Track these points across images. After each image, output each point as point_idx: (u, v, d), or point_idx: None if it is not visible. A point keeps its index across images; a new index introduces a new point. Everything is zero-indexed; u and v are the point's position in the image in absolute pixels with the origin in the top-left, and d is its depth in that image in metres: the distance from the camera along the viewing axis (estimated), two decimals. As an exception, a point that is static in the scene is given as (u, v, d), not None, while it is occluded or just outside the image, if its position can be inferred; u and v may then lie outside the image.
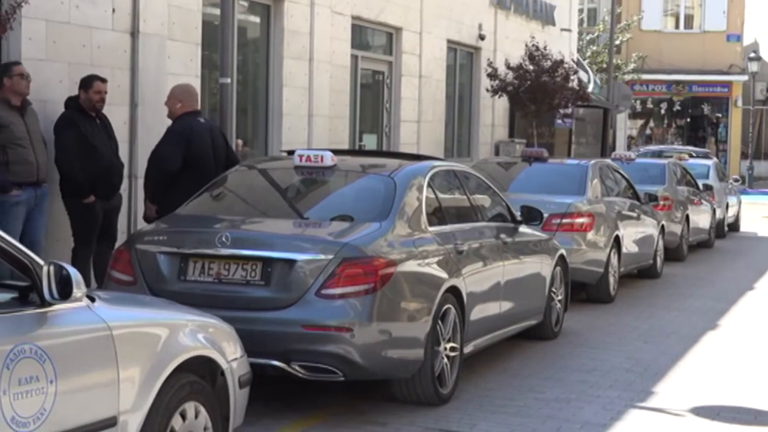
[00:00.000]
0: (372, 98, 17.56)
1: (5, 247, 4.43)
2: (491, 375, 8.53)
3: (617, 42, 30.57)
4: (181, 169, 9.48)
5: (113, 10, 10.99)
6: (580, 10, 31.58)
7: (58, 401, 4.30)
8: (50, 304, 4.42)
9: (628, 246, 13.54)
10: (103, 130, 10.05)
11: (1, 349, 4.12)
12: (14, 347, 4.17)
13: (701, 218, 18.90)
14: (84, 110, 9.81)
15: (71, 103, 9.87)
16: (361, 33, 16.80)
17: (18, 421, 4.12)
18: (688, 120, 45.26)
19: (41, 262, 4.46)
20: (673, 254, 16.51)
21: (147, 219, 9.72)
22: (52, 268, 4.44)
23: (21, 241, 8.82)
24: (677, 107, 44.61)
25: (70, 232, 9.95)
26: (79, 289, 4.54)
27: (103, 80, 9.97)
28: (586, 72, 26.75)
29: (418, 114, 18.47)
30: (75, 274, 4.51)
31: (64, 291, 4.44)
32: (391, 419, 7.12)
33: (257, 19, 14.17)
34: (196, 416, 5.13)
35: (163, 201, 9.36)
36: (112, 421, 4.62)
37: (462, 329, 7.82)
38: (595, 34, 37.98)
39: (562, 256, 10.31)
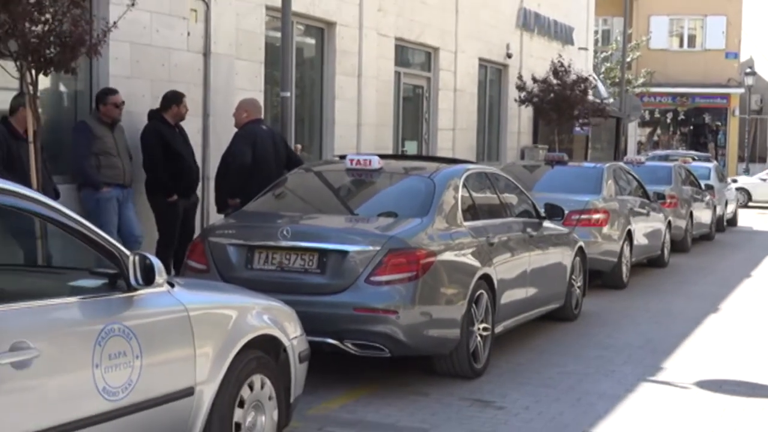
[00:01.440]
0: (413, 109, 17.54)
1: (97, 240, 4.46)
2: (519, 352, 8.49)
3: (628, 59, 30.32)
4: (249, 168, 9.55)
5: (188, 34, 11.05)
6: (596, 31, 31.34)
7: (143, 373, 4.32)
8: (135, 289, 4.45)
9: (639, 239, 13.46)
10: (182, 138, 10.14)
11: (93, 328, 4.17)
12: (105, 326, 4.21)
13: (703, 214, 18.79)
14: (166, 121, 9.92)
15: (155, 115, 9.98)
16: (403, 52, 16.78)
17: (109, 391, 4.15)
18: (691, 128, 44.98)
19: (128, 252, 4.49)
20: (678, 246, 16.40)
21: (220, 211, 9.80)
22: (137, 257, 4.47)
23: (118, 232, 9.05)
24: (681, 117, 44.38)
25: (155, 227, 10.03)
26: (160, 276, 4.57)
27: (181, 94, 10.13)
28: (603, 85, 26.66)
29: (453, 123, 18.44)
30: (157, 263, 4.55)
31: (148, 278, 4.47)
32: (432, 390, 7.11)
33: (313, 41, 14.19)
34: (262, 387, 5.14)
35: (240, 197, 9.42)
36: (189, 391, 4.64)
37: (493, 312, 7.79)
38: (609, 53, 37.83)
39: (580, 248, 10.24)
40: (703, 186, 19.35)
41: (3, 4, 7.24)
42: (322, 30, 14.24)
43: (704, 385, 7.53)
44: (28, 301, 4.10)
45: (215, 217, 10.12)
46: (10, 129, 8.23)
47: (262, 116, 10.44)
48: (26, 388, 3.77)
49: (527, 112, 21.55)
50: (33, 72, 7.74)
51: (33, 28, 7.38)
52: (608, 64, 36.80)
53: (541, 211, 9.50)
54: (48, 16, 7.44)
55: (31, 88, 7.80)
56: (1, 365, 3.66)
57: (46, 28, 7.44)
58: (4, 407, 3.66)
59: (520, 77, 20.31)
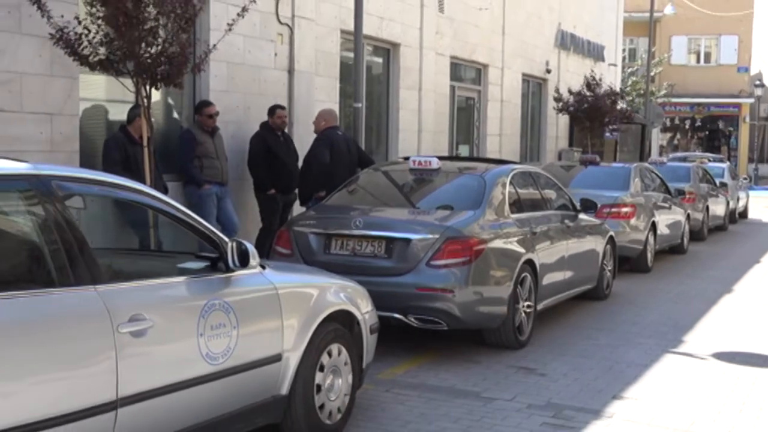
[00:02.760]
0: (465, 118, 17.48)
1: (201, 228, 4.53)
2: (558, 326, 8.42)
3: (652, 74, 29.92)
4: (326, 167, 9.60)
5: (275, 54, 11.13)
6: (624, 50, 30.94)
7: (239, 342, 4.37)
8: (233, 271, 4.50)
9: (662, 229, 13.28)
10: (284, 143, 10.27)
11: (198, 303, 4.23)
12: (207, 302, 4.27)
13: (718, 208, 18.51)
14: (272, 129, 10.04)
15: (263, 125, 10.12)
16: (457, 69, 16.71)
17: (211, 356, 4.20)
18: (707, 133, 44.30)
19: (227, 239, 4.54)
20: (696, 235, 16.14)
21: (303, 204, 9.86)
22: (234, 244, 4.53)
23: (218, 222, 9.16)
24: (698, 123, 43.79)
25: (258, 218, 10.14)
26: (254, 260, 4.63)
27: (282, 107, 10.21)
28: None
29: (500, 129, 18.36)
30: (251, 248, 4.60)
31: (244, 261, 4.53)
32: (482, 359, 7.08)
33: (380, 59, 14.20)
34: (339, 354, 5.17)
35: (318, 192, 9.49)
36: (278, 357, 4.68)
37: (535, 291, 7.73)
38: (635, 68, 37.40)
39: (611, 237, 10.12)
40: (717, 183, 19.07)
41: (121, 32, 7.35)
42: (388, 50, 14.26)
43: (720, 356, 7.40)
44: (143, 280, 4.20)
45: (298, 210, 10.18)
46: (127, 135, 8.34)
47: (338, 123, 10.48)
48: (142, 354, 3.83)
49: (564, 119, 21.39)
50: (147, 87, 7.83)
51: (147, 50, 7.48)
52: (634, 78, 36.34)
53: (577, 204, 9.41)
54: (159, 40, 7.53)
55: (145, 100, 7.90)
56: (121, 334, 3.72)
57: (158, 50, 7.54)
58: (125, 369, 3.71)
59: (557, 90, 20.15)
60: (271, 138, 10.06)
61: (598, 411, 5.80)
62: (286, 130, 10.53)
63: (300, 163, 10.39)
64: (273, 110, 10.18)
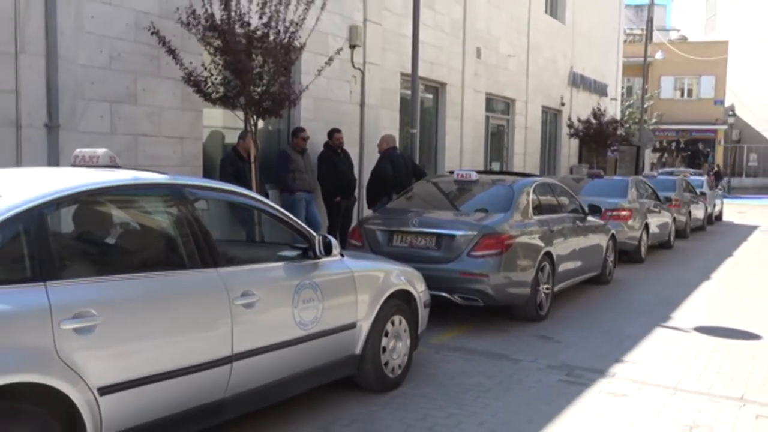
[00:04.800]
0: (497, 141, 17.33)
1: (295, 225, 4.55)
2: (570, 304, 8.29)
3: (645, 106, 29.23)
4: (389, 178, 9.60)
5: (350, 92, 11.17)
6: (622, 87, 30.30)
7: (324, 312, 4.39)
8: (319, 258, 4.52)
9: (653, 228, 12.97)
10: (344, 159, 10.22)
11: (293, 282, 4.25)
12: (300, 282, 4.29)
13: (698, 212, 18.01)
14: (333, 148, 10.03)
15: (326, 144, 10.07)
16: (490, 102, 16.58)
17: (302, 324, 4.23)
18: (689, 152, 43.13)
19: (314, 233, 4.56)
20: (680, 234, 15.74)
21: (370, 207, 9.88)
22: (320, 237, 4.54)
23: (305, 222, 9.19)
24: (682, 145, 42.71)
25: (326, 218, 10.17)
26: (336, 249, 4.63)
27: (339, 131, 10.14)
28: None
29: (524, 149, 18.15)
30: (334, 240, 4.61)
31: (327, 250, 4.54)
32: (511, 329, 7.01)
33: (431, 95, 14.17)
34: (400, 323, 5.16)
35: (383, 198, 9.48)
36: (353, 325, 4.70)
37: (553, 277, 7.63)
38: (631, 101, 36.66)
39: (612, 234, 9.91)
40: (698, 192, 18.57)
41: (237, 74, 7.46)
42: (437, 88, 14.21)
43: (701, 330, 7.20)
44: (252, 264, 4.22)
45: (367, 211, 10.19)
46: (238, 154, 8.43)
47: (397, 145, 10.46)
48: (251, 321, 3.87)
49: (574, 142, 21.05)
50: (254, 117, 7.92)
51: (255, 89, 7.57)
52: (631, 109, 35.62)
53: (586, 209, 9.26)
54: (265, 81, 7.61)
55: (252, 127, 7.99)
56: (236, 305, 3.77)
57: (264, 89, 7.62)
58: (238, 332, 3.76)
59: (569, 119, 19.92)
60: (333, 156, 9.97)
61: (602, 371, 5.69)
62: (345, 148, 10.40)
63: (357, 174, 10.37)
64: (332, 133, 10.04)
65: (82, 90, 7.10)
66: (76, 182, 3.42)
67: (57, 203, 3.28)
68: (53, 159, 6.75)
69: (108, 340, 3.14)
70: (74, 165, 3.91)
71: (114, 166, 3.87)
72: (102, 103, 7.33)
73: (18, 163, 6.51)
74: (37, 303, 2.94)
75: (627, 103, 36.05)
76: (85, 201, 3.51)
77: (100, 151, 3.90)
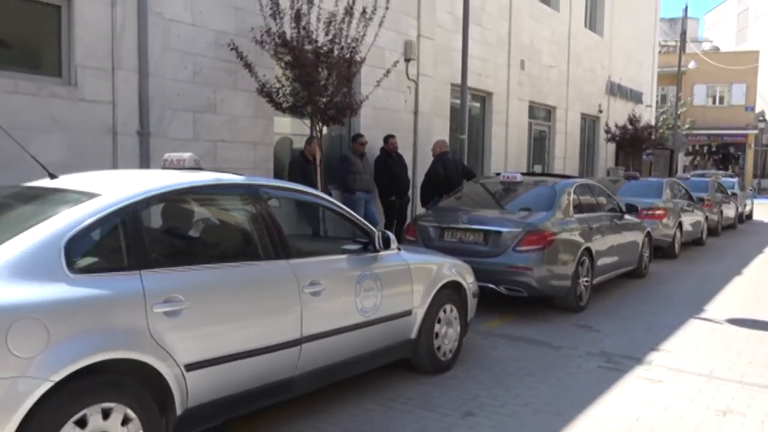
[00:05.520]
0: (539, 145, 17.07)
1: (357, 222, 4.54)
2: (608, 297, 8.12)
3: (679, 112, 28.36)
4: (441, 179, 9.53)
5: (405, 101, 11.14)
6: (657, 95, 29.42)
7: (383, 301, 4.38)
8: (378, 251, 4.50)
9: (686, 227, 12.57)
10: (399, 162, 10.20)
11: (355, 273, 4.25)
12: (361, 273, 4.28)
13: (730, 212, 17.40)
14: (389, 152, 10.02)
15: (382, 149, 10.07)
16: (533, 110, 16.33)
17: (363, 310, 4.23)
18: (720, 156, 41.71)
19: (374, 229, 4.55)
20: (712, 232, 15.24)
21: (424, 206, 9.84)
22: (380, 233, 4.53)
23: (365, 218, 9.19)
24: (713, 149, 41.29)
25: (383, 216, 10.17)
26: (393, 244, 4.61)
27: (393, 136, 10.11)
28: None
29: (564, 153, 17.82)
30: (392, 236, 4.60)
31: (386, 244, 4.52)
32: (553, 318, 6.90)
33: (478, 104, 14.03)
34: (451, 311, 5.13)
35: (436, 197, 9.42)
36: (409, 312, 4.68)
37: (592, 270, 7.47)
38: (665, 108, 35.58)
39: (648, 232, 9.66)
40: (729, 193, 17.94)
41: (305, 86, 7.52)
42: (484, 97, 14.06)
43: (733, 322, 6.96)
44: (318, 256, 4.21)
45: (420, 210, 10.17)
46: (304, 158, 8.48)
47: (448, 149, 10.39)
48: (318, 307, 3.87)
49: (611, 146, 20.54)
50: (319, 124, 7.99)
51: (321, 100, 7.62)
52: (664, 116, 34.59)
53: (623, 208, 9.02)
54: (329, 92, 7.66)
55: (318, 133, 8.06)
56: (305, 293, 3.79)
57: (328, 99, 7.67)
58: (306, 317, 3.78)
59: (607, 125, 19.49)
60: (388, 159, 9.95)
61: (639, 358, 5.55)
62: (400, 152, 10.36)
63: (410, 176, 10.33)
64: (387, 139, 10.01)
65: (169, 101, 7.27)
66: (165, 182, 3.50)
67: (149, 201, 3.36)
68: (144, 162, 6.93)
69: (193, 323, 3.20)
70: (164, 167, 4.00)
71: (198, 168, 3.94)
72: (186, 113, 7.48)
73: (114, 165, 6.71)
74: (133, 289, 3.02)
75: (661, 110, 35.02)
76: (174, 199, 3.58)
77: (186, 155, 3.98)
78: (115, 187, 3.33)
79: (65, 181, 3.56)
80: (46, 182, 3.61)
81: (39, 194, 3.44)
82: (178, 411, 3.15)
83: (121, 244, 3.12)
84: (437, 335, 4.95)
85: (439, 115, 12.11)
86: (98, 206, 3.13)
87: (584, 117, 19.33)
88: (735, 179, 21.64)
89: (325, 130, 8.46)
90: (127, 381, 2.95)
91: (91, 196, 3.21)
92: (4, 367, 2.55)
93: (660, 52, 30.25)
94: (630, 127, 19.09)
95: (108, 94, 6.68)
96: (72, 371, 2.71)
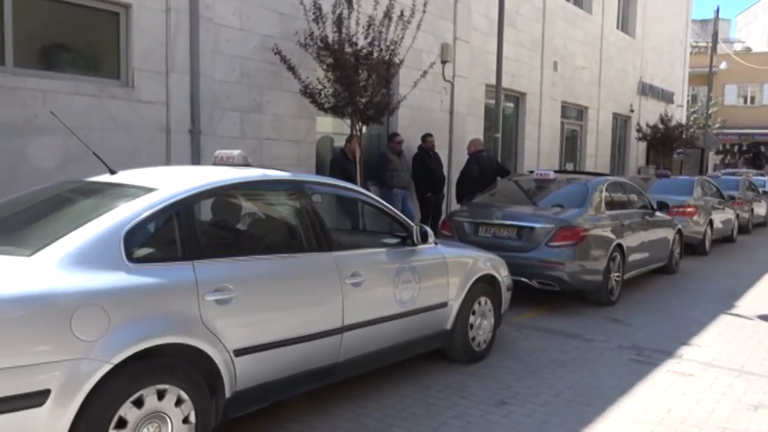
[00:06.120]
0: (571, 144, 16.80)
1: (396, 217, 4.53)
2: (639, 291, 7.95)
3: (710, 112, 27.65)
4: (475, 177, 9.48)
5: (441, 102, 11.08)
6: (688, 95, 28.69)
7: (420, 292, 4.37)
8: (416, 245, 4.48)
9: (717, 224, 12.24)
10: (435, 159, 10.15)
11: (394, 266, 4.23)
12: (400, 265, 4.27)
13: (760, 210, 16.87)
14: (426, 150, 9.98)
15: (419, 147, 10.03)
16: (565, 110, 16.08)
17: (401, 301, 4.22)
18: (751, 155, 40.45)
19: (412, 224, 4.53)
20: (743, 230, 14.81)
21: (459, 202, 9.79)
22: (417, 227, 4.50)
23: (401, 214, 9.17)
24: (744, 148, 40.05)
25: (419, 212, 10.14)
26: (431, 238, 4.59)
27: (431, 135, 10.08)
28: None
29: (596, 151, 17.50)
30: (429, 230, 4.57)
31: (424, 238, 4.50)
32: (584, 311, 6.80)
33: (512, 104, 13.88)
34: (485, 304, 5.08)
35: (470, 194, 9.38)
36: (445, 304, 4.65)
37: (623, 266, 7.33)
38: (696, 108, 34.67)
39: (679, 229, 9.44)
40: (760, 191, 17.40)
41: (346, 87, 7.54)
42: (518, 97, 13.90)
43: (764, 317, 6.76)
44: (358, 249, 4.19)
45: (455, 206, 10.12)
46: (345, 155, 8.52)
47: (483, 148, 10.30)
48: (358, 298, 3.87)
49: (642, 145, 20.10)
50: (359, 124, 8.01)
51: (361, 100, 7.63)
52: (695, 115, 33.72)
53: (654, 205, 8.83)
54: (369, 93, 7.67)
55: (357, 132, 8.08)
56: (346, 284, 3.80)
57: (368, 99, 7.67)
58: (348, 307, 3.78)
59: (638, 124, 19.09)
60: (426, 157, 9.91)
61: (670, 352, 5.43)
62: (437, 151, 10.33)
63: (446, 173, 10.26)
64: (424, 137, 9.97)
65: (218, 101, 7.36)
66: (217, 178, 3.54)
67: (202, 195, 3.40)
68: (195, 159, 7.03)
69: (242, 311, 3.24)
70: (214, 164, 4.05)
71: (246, 164, 3.98)
72: (234, 113, 7.57)
73: (167, 162, 6.83)
74: (187, 278, 3.06)
75: (692, 110, 34.17)
76: (224, 193, 3.63)
77: (235, 152, 4.02)
78: (170, 182, 3.38)
79: (124, 177, 3.64)
80: (106, 177, 3.68)
81: (100, 189, 3.51)
82: (227, 394, 3.19)
83: (175, 235, 3.16)
84: (472, 326, 4.92)
85: (473, 115, 12.02)
86: (155, 200, 3.18)
87: (616, 116, 18.97)
88: (766, 178, 21.00)
89: (364, 129, 8.47)
90: (180, 365, 3.00)
91: (148, 190, 3.27)
92: (69, 350, 2.62)
93: (691, 53, 29.46)
94: (661, 126, 18.68)
95: (162, 96, 6.80)
96: (130, 354, 2.77)
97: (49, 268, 2.70)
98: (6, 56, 5.79)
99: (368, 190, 8.54)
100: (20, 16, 5.87)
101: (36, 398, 2.53)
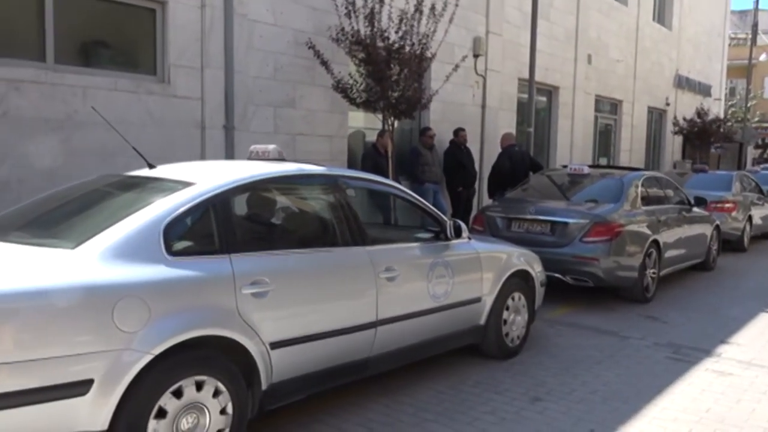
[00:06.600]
0: (604, 138, 16.53)
1: (429, 211, 4.52)
2: (675, 288, 7.80)
3: (748, 105, 26.95)
4: (508, 171, 9.39)
5: (473, 96, 10.99)
6: (726, 88, 27.99)
7: (454, 287, 4.35)
8: (450, 240, 4.46)
9: (756, 220, 11.92)
10: (467, 154, 10.07)
11: (427, 261, 4.22)
12: (433, 260, 4.26)
13: (802, 205, 16.41)
14: (458, 145, 9.91)
15: (451, 142, 9.96)
16: (599, 103, 15.81)
17: (435, 296, 4.21)
18: (792, 149, 39.43)
19: (446, 219, 4.51)
20: (783, 225, 14.45)
21: (491, 197, 9.71)
22: (451, 222, 4.49)
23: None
24: (784, 142, 39.06)
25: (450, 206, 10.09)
26: (465, 233, 4.57)
27: (463, 129, 9.99)
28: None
29: (630, 146, 17.21)
30: (463, 225, 4.55)
31: (458, 233, 4.48)
32: (619, 308, 6.70)
33: (544, 98, 13.70)
34: (519, 299, 5.04)
35: (502, 189, 9.29)
36: (478, 299, 4.63)
37: (659, 262, 7.20)
38: (734, 101, 33.81)
39: (717, 225, 9.24)
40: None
41: (378, 82, 7.53)
42: (550, 91, 13.71)
43: (807, 316, 6.58)
44: (391, 244, 4.19)
45: (486, 201, 10.04)
46: (376, 150, 8.50)
47: (515, 142, 10.18)
48: (392, 292, 3.87)
49: (678, 139, 19.69)
50: (391, 118, 7.99)
51: (393, 94, 7.62)
52: (734, 109, 32.90)
53: (692, 200, 8.64)
54: (401, 87, 7.65)
55: (389, 127, 8.07)
56: (380, 278, 3.80)
57: (400, 94, 7.65)
58: (382, 301, 3.79)
59: (674, 118, 18.69)
60: (457, 151, 9.83)
61: (708, 350, 5.32)
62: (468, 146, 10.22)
63: (477, 168, 10.17)
64: (457, 132, 9.88)
65: (252, 97, 7.42)
66: (254, 172, 3.57)
67: (239, 189, 3.43)
68: (229, 154, 7.10)
69: (278, 304, 3.26)
70: (249, 158, 4.08)
71: (282, 159, 4.01)
72: (267, 108, 7.63)
73: (202, 157, 6.91)
74: (224, 271, 3.10)
75: (730, 103, 33.34)
76: (261, 188, 3.66)
77: (271, 146, 4.05)
78: (208, 177, 3.42)
79: (163, 171, 3.69)
80: (145, 172, 3.74)
81: (139, 183, 3.57)
82: (263, 386, 3.23)
83: (213, 229, 3.20)
84: (505, 322, 4.88)
85: (506, 109, 11.90)
86: (193, 194, 3.22)
87: (651, 110, 18.61)
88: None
89: (396, 123, 8.46)
90: (217, 357, 3.04)
91: (186, 184, 3.31)
92: (111, 341, 2.67)
93: (730, 44, 28.69)
94: (698, 120, 18.27)
95: (197, 91, 6.88)
96: (170, 346, 2.81)
97: (92, 261, 2.75)
98: (47, 53, 5.91)
99: (399, 184, 8.54)
100: (60, 14, 5.99)
101: (80, 387, 2.59)
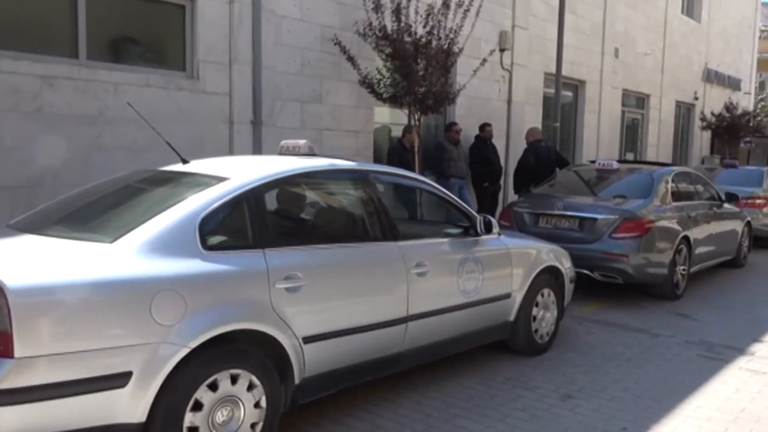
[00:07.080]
0: (632, 133, 16.30)
1: (459, 206, 4.50)
2: (706, 285, 7.68)
3: (779, 99, 26.44)
4: (533, 167, 9.31)
5: (499, 91, 10.91)
6: (756, 81, 27.41)
7: (484, 283, 4.33)
8: (480, 235, 4.44)
9: (788, 216, 11.71)
10: (492, 150, 10.01)
11: (458, 256, 4.21)
12: (463, 256, 4.24)
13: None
14: (484, 140, 9.85)
15: (477, 137, 9.90)
16: (626, 97, 15.59)
17: (465, 292, 4.19)
18: (823, 144, 38.48)
19: (476, 214, 4.49)
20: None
21: (516, 193, 9.64)
22: (481, 217, 4.46)
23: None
24: (815, 136, 38.10)
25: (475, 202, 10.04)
26: (495, 228, 4.54)
27: (489, 125, 9.93)
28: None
29: (657, 141, 16.95)
30: (493, 220, 4.52)
31: (488, 229, 4.45)
32: (648, 305, 6.61)
33: (570, 93, 13.54)
34: (548, 296, 5.01)
35: (527, 184, 9.21)
36: (508, 295, 4.60)
37: (689, 259, 7.10)
38: (765, 95, 33.10)
39: (748, 221, 9.07)
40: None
41: (404, 77, 7.51)
42: (576, 86, 13.56)
43: (843, 315, 6.42)
44: (422, 239, 4.17)
45: (512, 196, 9.97)
46: (402, 145, 8.48)
47: (541, 137, 10.09)
48: (423, 288, 3.86)
49: (706, 134, 19.32)
50: (417, 113, 7.97)
51: (419, 90, 7.59)
52: (764, 103, 32.22)
53: (722, 196, 8.49)
54: (428, 82, 7.61)
55: (416, 122, 8.04)
56: (411, 274, 3.79)
57: (427, 89, 7.62)
58: (412, 297, 3.78)
59: (702, 113, 18.36)
60: (483, 147, 9.76)
61: (741, 348, 5.23)
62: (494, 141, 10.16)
63: (503, 163, 10.10)
64: (483, 127, 9.82)
65: (279, 92, 7.45)
66: (286, 167, 3.58)
67: (273, 184, 3.45)
68: (257, 149, 7.14)
69: (311, 299, 3.28)
70: (280, 153, 4.09)
71: (312, 154, 4.01)
72: (294, 103, 7.65)
73: (230, 152, 6.96)
74: (258, 266, 3.11)
75: (760, 97, 32.62)
76: (293, 183, 3.67)
77: (301, 141, 4.06)
78: (241, 172, 3.43)
79: (196, 166, 3.72)
80: (179, 167, 3.77)
81: (173, 178, 3.60)
82: (296, 380, 3.24)
83: (247, 224, 3.22)
84: (535, 318, 4.85)
85: (531, 104, 11.80)
86: (227, 189, 3.24)
87: (679, 104, 18.30)
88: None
89: (422, 118, 8.42)
90: (252, 351, 3.06)
91: (220, 179, 3.33)
92: (149, 334, 2.70)
93: (760, 37, 28.05)
94: (727, 114, 17.93)
95: (226, 87, 6.92)
96: (206, 339, 2.84)
97: (130, 255, 2.79)
98: (80, 49, 5.99)
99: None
100: (92, 11, 6.07)
101: (119, 379, 2.63)
